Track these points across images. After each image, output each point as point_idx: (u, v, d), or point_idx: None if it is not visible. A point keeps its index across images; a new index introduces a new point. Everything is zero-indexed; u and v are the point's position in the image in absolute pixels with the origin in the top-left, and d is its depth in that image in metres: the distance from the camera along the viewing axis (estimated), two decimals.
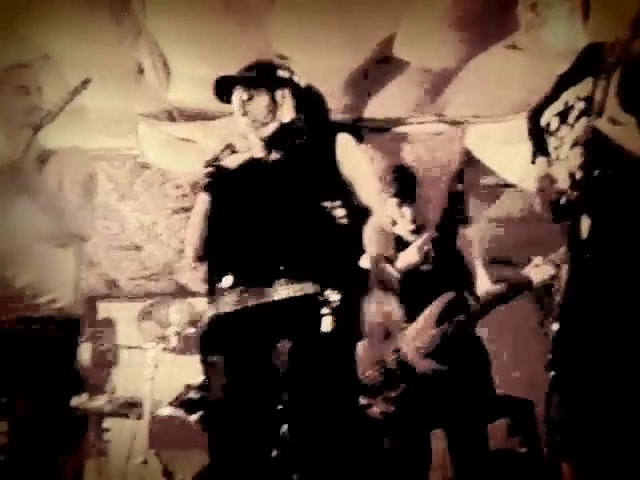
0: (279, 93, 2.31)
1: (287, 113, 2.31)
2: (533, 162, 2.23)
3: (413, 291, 3.19)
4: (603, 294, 1.83)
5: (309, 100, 2.37)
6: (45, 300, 2.51)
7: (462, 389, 3.04)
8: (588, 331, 1.84)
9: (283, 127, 2.30)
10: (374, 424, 3.06)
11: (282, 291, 2.01)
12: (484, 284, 3.23)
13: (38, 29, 3.46)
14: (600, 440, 1.78)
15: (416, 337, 3.12)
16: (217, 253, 2.20)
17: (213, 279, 2.16)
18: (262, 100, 2.28)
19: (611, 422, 1.76)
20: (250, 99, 2.28)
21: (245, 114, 2.28)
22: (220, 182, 2.27)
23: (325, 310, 1.96)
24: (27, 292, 2.49)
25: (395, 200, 3.34)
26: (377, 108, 3.99)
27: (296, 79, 2.37)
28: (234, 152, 2.30)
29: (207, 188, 2.27)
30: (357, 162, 2.29)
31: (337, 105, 3.92)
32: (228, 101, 2.36)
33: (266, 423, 2.05)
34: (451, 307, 3.13)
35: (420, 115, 4.06)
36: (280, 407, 2.02)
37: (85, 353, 4.56)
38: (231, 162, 2.30)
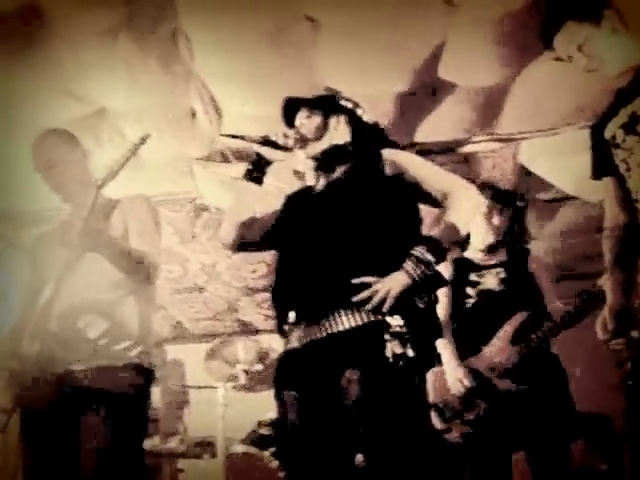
0: (334, 119, 2.38)
1: (339, 138, 2.36)
2: (594, 178, 2.21)
3: (486, 312, 3.16)
4: None
5: (370, 134, 2.39)
6: (121, 348, 2.53)
7: (542, 409, 2.98)
8: None
9: (332, 148, 2.34)
10: (454, 450, 3.02)
11: (345, 322, 2.01)
12: (556, 301, 3.17)
13: (93, 85, 3.58)
14: None
15: (492, 357, 3.08)
16: (280, 291, 2.22)
17: (280, 317, 2.18)
18: (314, 121, 2.37)
19: None
20: (307, 118, 2.38)
21: (298, 132, 2.36)
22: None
23: (387, 336, 1.96)
24: (100, 342, 2.52)
25: (488, 204, 3.23)
26: (428, 132, 3.98)
27: (359, 112, 2.42)
28: (272, 144, 2.32)
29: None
30: (417, 161, 2.29)
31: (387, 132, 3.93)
32: (292, 125, 2.42)
33: (341, 453, 2.05)
34: (526, 326, 3.08)
35: (471, 135, 4.04)
36: (353, 437, 2.01)
37: (156, 395, 4.61)
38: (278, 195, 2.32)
